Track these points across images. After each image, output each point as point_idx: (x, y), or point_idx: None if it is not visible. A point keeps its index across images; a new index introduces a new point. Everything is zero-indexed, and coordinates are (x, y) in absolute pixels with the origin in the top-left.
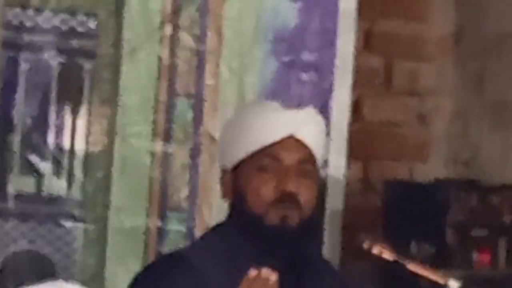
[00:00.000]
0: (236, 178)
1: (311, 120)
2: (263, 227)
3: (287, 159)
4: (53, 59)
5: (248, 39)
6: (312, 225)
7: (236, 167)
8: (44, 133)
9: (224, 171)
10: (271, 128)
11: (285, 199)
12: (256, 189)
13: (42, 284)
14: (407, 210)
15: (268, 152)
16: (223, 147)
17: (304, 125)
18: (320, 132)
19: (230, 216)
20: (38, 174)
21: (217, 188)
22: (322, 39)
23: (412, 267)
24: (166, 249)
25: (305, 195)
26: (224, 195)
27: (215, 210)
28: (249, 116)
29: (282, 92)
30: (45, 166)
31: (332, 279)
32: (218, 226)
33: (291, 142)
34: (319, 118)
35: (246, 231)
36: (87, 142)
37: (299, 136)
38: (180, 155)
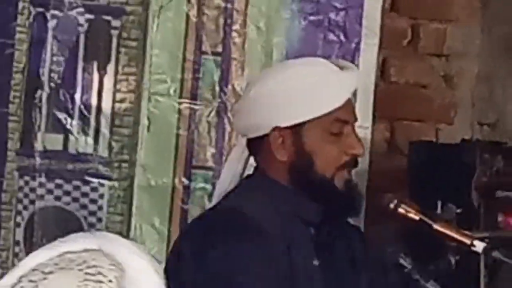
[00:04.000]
0: (297, 139)
1: (357, 77)
2: (333, 191)
3: (351, 121)
4: (81, 16)
5: None
6: None
7: (294, 126)
8: (71, 91)
9: (275, 128)
10: (337, 91)
11: (353, 162)
12: (329, 153)
13: (100, 236)
14: (433, 171)
15: (340, 116)
16: (276, 103)
17: (356, 85)
18: None
19: (269, 175)
20: (65, 132)
21: None
22: None
23: (438, 227)
24: (191, 207)
25: (363, 152)
26: (275, 153)
27: None
28: (311, 76)
29: (309, 52)
30: (72, 124)
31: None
32: (254, 179)
33: (348, 103)
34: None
35: (311, 192)
36: (114, 100)
37: (352, 96)
38: (206, 113)
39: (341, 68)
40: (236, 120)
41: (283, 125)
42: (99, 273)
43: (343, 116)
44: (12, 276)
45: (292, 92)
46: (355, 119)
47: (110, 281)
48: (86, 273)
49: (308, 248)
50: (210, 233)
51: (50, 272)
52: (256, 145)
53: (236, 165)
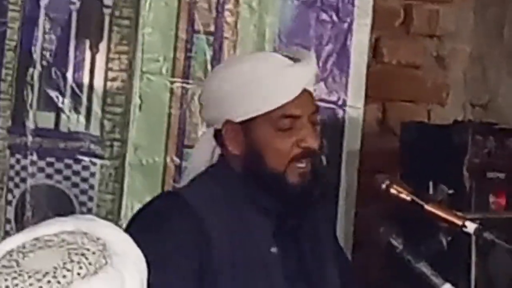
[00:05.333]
0: (247, 133)
1: (314, 68)
2: (284, 186)
3: (304, 114)
4: None
5: None
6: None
7: (244, 121)
8: (63, 69)
9: (227, 122)
10: (286, 86)
11: (306, 155)
12: (277, 148)
13: (75, 218)
14: (425, 152)
15: (287, 112)
16: (226, 99)
17: (312, 76)
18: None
19: (228, 164)
20: (57, 110)
21: None
22: None
23: (429, 208)
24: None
25: (318, 143)
26: (229, 146)
27: None
28: (262, 70)
29: (302, 32)
30: (64, 102)
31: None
32: (214, 168)
33: (304, 95)
34: (314, 59)
35: (263, 186)
36: (106, 79)
37: (309, 88)
38: (198, 92)
39: (295, 61)
40: (201, 110)
41: (234, 120)
42: (81, 247)
43: (293, 111)
44: None
45: (239, 88)
46: (315, 110)
47: (93, 253)
48: (68, 249)
49: (265, 236)
50: (147, 217)
51: (30, 251)
52: (217, 136)
53: (203, 153)
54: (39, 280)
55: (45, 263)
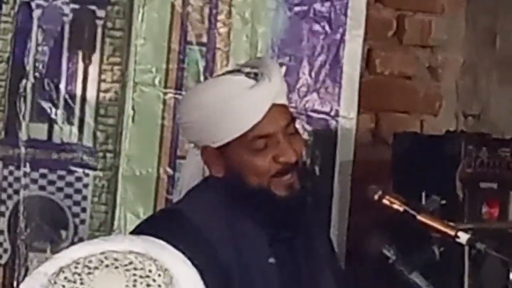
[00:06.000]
0: (225, 157)
1: (281, 79)
2: (271, 199)
3: (277, 131)
4: (66, 6)
5: None
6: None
7: (221, 146)
8: (56, 80)
9: (205, 147)
10: (254, 106)
11: (288, 170)
12: (256, 168)
13: (145, 240)
14: (417, 162)
15: (258, 132)
16: (200, 127)
17: (278, 89)
18: (284, 82)
19: (219, 182)
20: (49, 121)
21: None
22: None
23: (422, 218)
24: (176, 197)
25: (299, 151)
26: (212, 170)
27: None
28: (226, 96)
29: (294, 43)
30: (56, 113)
31: (321, 238)
32: (208, 181)
33: (274, 111)
34: (280, 69)
35: (249, 203)
36: (99, 90)
37: (277, 101)
38: None
39: (257, 77)
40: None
41: (210, 145)
42: (148, 277)
43: (265, 130)
44: (52, 265)
45: (208, 116)
46: (290, 121)
47: (159, 286)
48: (134, 275)
49: (262, 247)
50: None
51: (96, 268)
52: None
53: (193, 167)
54: None
55: (109, 285)
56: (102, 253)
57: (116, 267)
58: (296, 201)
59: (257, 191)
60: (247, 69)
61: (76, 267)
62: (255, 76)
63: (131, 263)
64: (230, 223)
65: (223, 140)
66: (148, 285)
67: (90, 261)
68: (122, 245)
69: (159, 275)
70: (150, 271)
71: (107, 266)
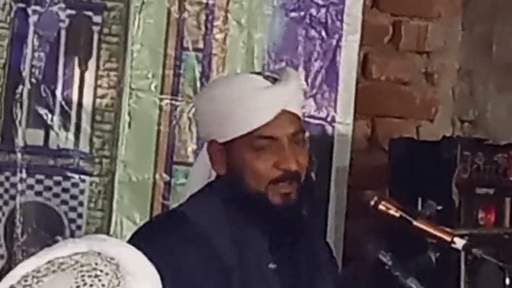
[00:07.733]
0: (229, 154)
1: (297, 88)
2: (267, 206)
3: (283, 136)
4: (62, 12)
5: None
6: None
7: (226, 142)
8: (52, 86)
9: (212, 142)
10: (264, 107)
11: (287, 177)
12: (255, 170)
13: (87, 239)
14: (413, 167)
15: (263, 133)
16: (210, 120)
17: (292, 96)
18: (302, 93)
19: (220, 186)
20: (46, 127)
21: None
22: None
23: (418, 224)
24: (172, 203)
25: (302, 164)
26: (214, 166)
27: None
28: (239, 93)
29: (290, 48)
30: (53, 119)
31: (319, 246)
32: (213, 185)
33: (283, 116)
34: (300, 79)
35: (247, 208)
36: (95, 96)
37: (289, 108)
38: (187, 109)
39: (275, 81)
40: (190, 127)
41: (217, 140)
42: (94, 269)
43: (270, 132)
44: (3, 285)
45: (220, 110)
46: (298, 131)
47: (106, 274)
48: (81, 271)
49: (262, 252)
50: (152, 239)
51: (44, 275)
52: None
53: (202, 168)
54: None
55: (59, 287)
56: (48, 262)
57: (63, 270)
58: (289, 212)
59: (254, 197)
60: (268, 73)
61: (26, 281)
62: (272, 79)
63: (77, 262)
64: (232, 227)
65: (230, 135)
66: (96, 275)
67: (38, 272)
68: (66, 249)
69: (105, 265)
70: (96, 263)
71: (54, 271)
